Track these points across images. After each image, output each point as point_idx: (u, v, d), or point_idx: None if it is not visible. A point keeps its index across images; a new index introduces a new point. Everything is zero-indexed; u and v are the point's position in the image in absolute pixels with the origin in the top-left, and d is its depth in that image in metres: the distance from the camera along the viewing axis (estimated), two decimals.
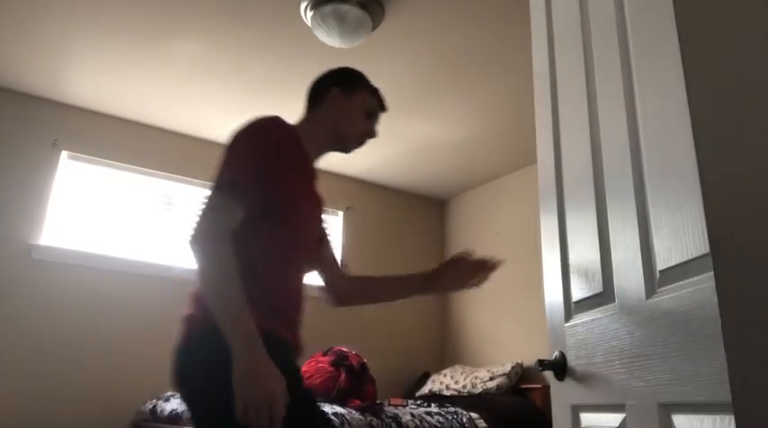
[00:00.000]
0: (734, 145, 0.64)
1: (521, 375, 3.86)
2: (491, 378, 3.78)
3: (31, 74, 3.39)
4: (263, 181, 1.27)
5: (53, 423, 3.19)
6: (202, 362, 1.19)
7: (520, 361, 3.91)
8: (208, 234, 1.19)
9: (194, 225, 1.21)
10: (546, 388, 3.78)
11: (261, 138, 1.31)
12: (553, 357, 1.23)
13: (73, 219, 3.65)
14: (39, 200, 3.51)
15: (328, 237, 1.58)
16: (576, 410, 1.15)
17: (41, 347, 3.28)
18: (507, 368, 3.84)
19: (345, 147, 1.50)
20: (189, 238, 1.20)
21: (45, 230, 3.49)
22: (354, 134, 1.48)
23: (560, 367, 1.19)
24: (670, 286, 0.88)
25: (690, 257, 0.82)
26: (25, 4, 2.77)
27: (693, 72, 0.71)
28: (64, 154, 3.67)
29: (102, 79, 3.42)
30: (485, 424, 3.08)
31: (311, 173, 1.44)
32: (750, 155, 0.61)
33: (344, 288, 1.59)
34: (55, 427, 3.19)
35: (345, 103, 1.48)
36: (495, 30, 2.89)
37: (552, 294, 1.30)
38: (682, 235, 0.84)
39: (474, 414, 3.21)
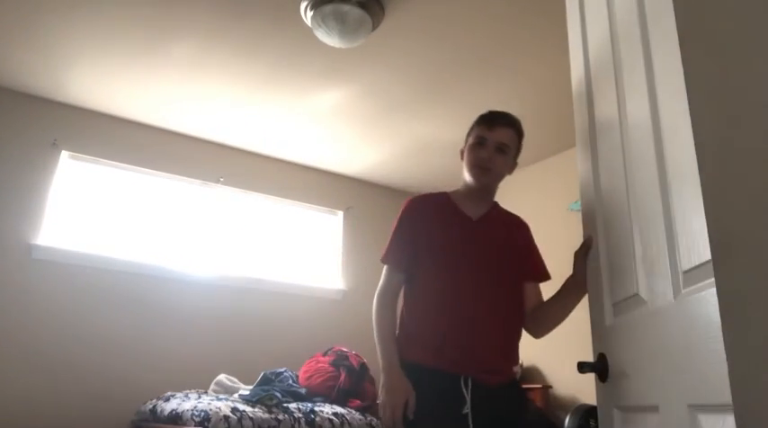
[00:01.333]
0: (734, 146, 0.64)
1: (520, 375, 3.86)
2: None
3: (31, 74, 3.39)
4: (406, 249, 1.70)
5: (53, 423, 3.19)
6: None
7: (520, 361, 3.90)
8: (376, 297, 1.70)
9: (378, 289, 1.73)
10: (546, 388, 3.78)
11: (399, 219, 1.76)
12: (595, 359, 1.23)
13: (73, 219, 3.65)
14: (39, 200, 3.51)
15: (536, 274, 1.77)
16: (619, 411, 1.16)
17: (41, 347, 3.28)
18: None
19: (475, 182, 1.71)
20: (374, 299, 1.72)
21: (45, 230, 3.49)
22: (470, 168, 1.70)
23: (603, 368, 1.20)
24: (693, 287, 0.88)
25: (708, 258, 0.82)
26: (25, 5, 2.76)
27: (693, 75, 0.71)
28: (64, 154, 3.67)
29: (102, 79, 3.42)
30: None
31: (457, 224, 1.71)
32: (751, 157, 0.61)
33: (538, 318, 1.73)
34: (55, 427, 3.19)
35: (464, 151, 1.75)
36: (494, 29, 2.89)
37: (594, 296, 1.31)
38: (700, 234, 0.85)
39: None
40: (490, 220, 1.75)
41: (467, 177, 1.73)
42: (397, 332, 1.68)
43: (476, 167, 1.68)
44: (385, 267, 1.73)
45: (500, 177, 1.74)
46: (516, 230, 1.81)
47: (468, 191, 1.75)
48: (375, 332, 1.65)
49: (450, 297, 1.62)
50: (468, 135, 1.76)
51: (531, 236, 1.84)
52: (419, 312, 1.66)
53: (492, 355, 1.61)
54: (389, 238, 1.75)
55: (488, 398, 1.53)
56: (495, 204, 1.82)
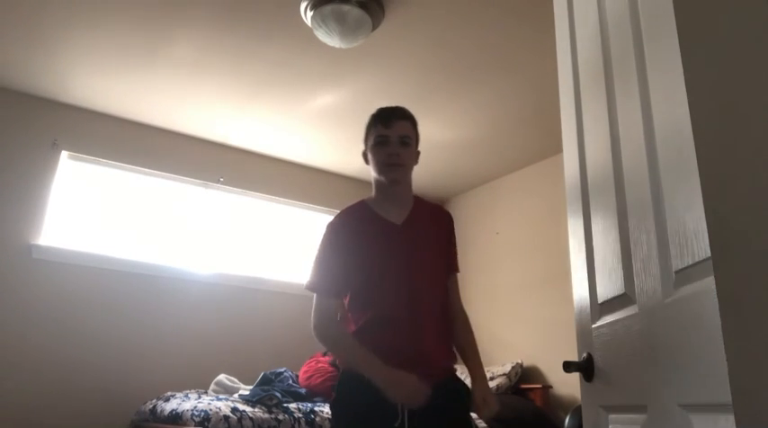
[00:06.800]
0: (735, 146, 0.64)
1: (520, 375, 3.86)
2: (491, 379, 3.78)
3: (31, 74, 3.39)
4: (336, 273, 1.66)
5: (53, 423, 3.19)
6: (334, 398, 1.68)
7: (520, 361, 3.91)
8: (317, 328, 1.63)
9: (312, 321, 1.65)
10: (546, 389, 3.78)
11: (324, 243, 1.70)
12: (581, 358, 1.23)
13: (73, 219, 3.65)
14: (39, 200, 3.51)
15: (453, 267, 1.79)
16: (605, 411, 1.16)
17: (41, 347, 3.28)
18: (507, 368, 3.84)
19: (387, 181, 1.71)
20: (314, 333, 1.64)
21: (45, 230, 3.49)
22: (381, 169, 1.70)
23: (588, 368, 1.20)
24: (685, 287, 0.88)
25: (702, 258, 0.82)
26: (25, 4, 2.76)
27: (693, 72, 0.71)
28: (64, 154, 3.67)
29: (102, 79, 3.42)
30: (484, 424, 3.08)
31: (380, 229, 1.70)
32: (751, 156, 0.61)
33: (454, 325, 1.76)
34: (55, 426, 3.19)
35: (367, 154, 1.75)
36: (494, 30, 2.89)
37: (580, 296, 1.31)
38: (693, 234, 0.84)
39: (473, 414, 3.21)
40: (414, 221, 1.73)
41: (379, 178, 1.71)
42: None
43: (386, 165, 1.68)
44: (315, 295, 1.66)
45: (410, 169, 1.74)
46: (440, 224, 1.79)
47: (385, 194, 1.73)
48: (339, 353, 1.65)
49: (387, 308, 1.62)
50: (367, 137, 1.74)
51: (453, 228, 1.82)
52: (359, 327, 1.64)
53: (433, 357, 1.62)
54: (316, 265, 1.69)
55: (436, 395, 1.54)
56: (416, 199, 1.79)
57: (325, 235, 1.71)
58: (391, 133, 1.68)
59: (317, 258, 1.69)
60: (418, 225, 1.73)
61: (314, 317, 1.64)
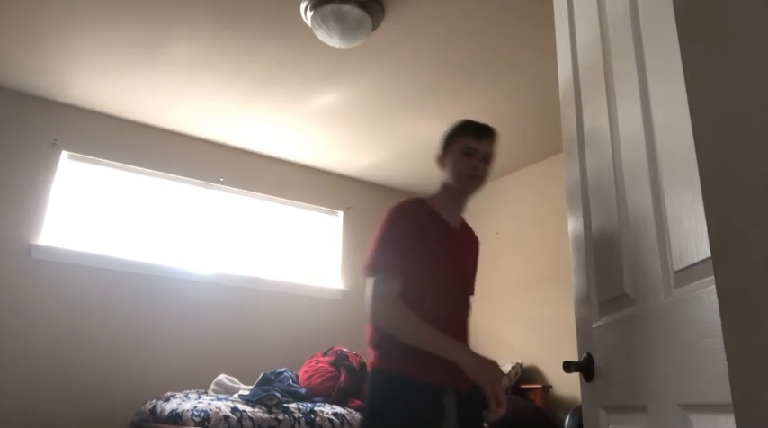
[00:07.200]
0: (735, 146, 0.64)
1: (521, 375, 3.86)
2: None
3: (31, 74, 3.39)
4: (405, 257, 1.62)
5: (53, 423, 3.19)
6: (371, 399, 1.64)
7: (520, 361, 3.91)
8: (387, 311, 1.57)
9: (371, 305, 1.59)
10: (546, 389, 3.78)
11: (395, 226, 1.67)
12: (581, 358, 1.24)
13: (73, 219, 3.65)
14: (39, 200, 3.51)
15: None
16: (605, 411, 1.16)
17: (41, 347, 3.29)
18: (507, 368, 3.84)
19: (464, 191, 1.75)
20: (373, 319, 1.60)
21: (45, 230, 3.49)
22: (460, 178, 1.72)
23: (588, 368, 1.20)
24: (686, 287, 0.88)
25: (703, 257, 0.82)
26: (25, 4, 2.76)
27: (693, 72, 0.71)
28: (64, 154, 3.68)
29: (102, 79, 3.42)
30: (485, 425, 3.08)
31: (444, 231, 1.73)
32: (751, 156, 0.61)
33: None
34: (55, 427, 3.19)
35: (446, 159, 1.78)
36: (494, 30, 2.89)
37: (580, 296, 1.31)
38: (693, 234, 0.85)
39: None
40: (464, 232, 1.84)
41: (452, 185, 1.75)
42: (377, 340, 1.63)
43: (469, 177, 1.72)
44: (379, 276, 1.61)
45: (483, 186, 1.80)
46: (475, 245, 1.92)
47: (450, 200, 1.78)
48: (411, 336, 1.54)
49: (439, 308, 1.65)
50: (449, 143, 1.79)
51: (478, 253, 1.95)
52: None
53: None
54: (383, 247, 1.64)
55: (470, 403, 1.60)
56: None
57: (392, 220, 1.67)
58: (480, 147, 1.73)
59: (383, 240, 1.65)
60: (465, 237, 1.84)
61: (379, 301, 1.57)
